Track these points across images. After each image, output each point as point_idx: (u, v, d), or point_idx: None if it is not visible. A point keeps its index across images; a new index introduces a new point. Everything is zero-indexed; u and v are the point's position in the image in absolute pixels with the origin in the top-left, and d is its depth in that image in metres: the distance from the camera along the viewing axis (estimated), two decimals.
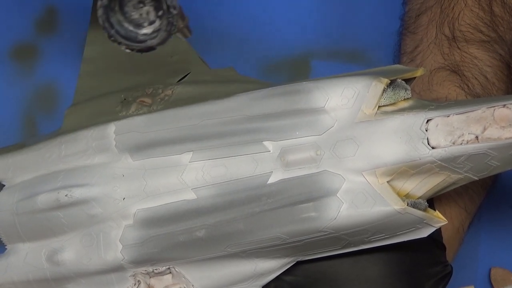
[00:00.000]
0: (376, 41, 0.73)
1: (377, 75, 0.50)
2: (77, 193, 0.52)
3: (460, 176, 0.48)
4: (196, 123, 0.51)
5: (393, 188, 0.48)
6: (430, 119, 0.47)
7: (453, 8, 0.63)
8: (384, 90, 0.49)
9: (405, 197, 0.48)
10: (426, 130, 0.47)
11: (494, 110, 0.47)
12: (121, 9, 0.44)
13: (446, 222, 0.49)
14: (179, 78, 0.58)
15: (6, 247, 0.57)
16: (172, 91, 0.56)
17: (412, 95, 0.51)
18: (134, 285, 0.52)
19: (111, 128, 0.53)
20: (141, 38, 0.45)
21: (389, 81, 0.49)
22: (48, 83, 0.73)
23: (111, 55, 0.62)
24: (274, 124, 0.50)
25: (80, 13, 0.68)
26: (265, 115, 0.50)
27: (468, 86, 0.60)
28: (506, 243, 0.68)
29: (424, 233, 0.49)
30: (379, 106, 0.49)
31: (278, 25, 0.74)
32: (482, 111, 0.47)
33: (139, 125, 0.53)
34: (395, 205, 0.47)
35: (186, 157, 0.51)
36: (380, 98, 0.49)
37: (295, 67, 0.73)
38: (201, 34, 0.72)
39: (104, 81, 0.61)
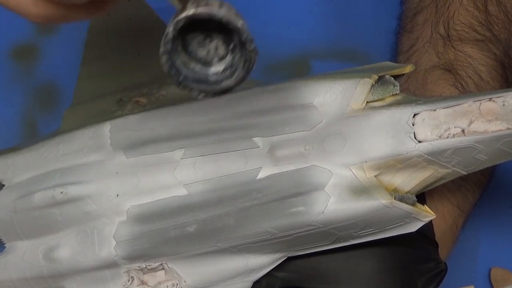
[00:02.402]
0: (376, 40, 0.73)
1: (366, 72, 0.50)
2: (72, 190, 0.52)
3: (448, 170, 0.48)
4: (188, 121, 0.52)
5: (381, 183, 0.48)
6: (417, 114, 0.48)
7: (448, 7, 0.63)
8: (372, 86, 0.49)
9: (393, 191, 0.48)
10: (413, 124, 0.47)
11: (480, 103, 0.47)
12: (185, 49, 0.38)
13: (435, 217, 0.49)
14: None
15: (5, 245, 0.57)
16: (167, 91, 0.57)
17: (405, 93, 0.51)
18: (128, 281, 0.52)
19: (107, 127, 0.54)
20: (213, 78, 0.39)
21: (377, 77, 0.49)
22: (48, 83, 0.73)
23: (109, 57, 0.63)
24: (264, 120, 0.50)
25: None
26: (255, 112, 0.50)
27: (462, 85, 0.60)
28: (506, 243, 0.67)
29: (413, 227, 0.49)
30: (367, 102, 0.49)
31: (278, 25, 0.75)
32: (468, 105, 0.47)
33: (133, 123, 0.53)
34: (382, 199, 0.47)
35: (178, 153, 0.51)
36: (368, 94, 0.49)
37: (295, 67, 0.73)
38: None
39: (102, 83, 0.62)
